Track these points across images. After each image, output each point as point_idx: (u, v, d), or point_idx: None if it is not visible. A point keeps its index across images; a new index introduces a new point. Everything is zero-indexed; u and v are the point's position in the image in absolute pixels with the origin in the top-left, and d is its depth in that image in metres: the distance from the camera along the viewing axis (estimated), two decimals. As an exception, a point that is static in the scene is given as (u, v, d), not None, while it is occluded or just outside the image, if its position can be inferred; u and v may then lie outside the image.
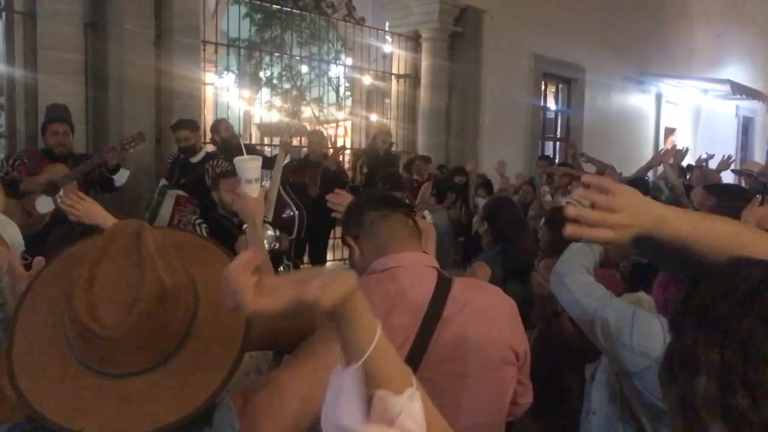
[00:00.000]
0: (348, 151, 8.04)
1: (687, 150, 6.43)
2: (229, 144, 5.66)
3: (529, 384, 1.74)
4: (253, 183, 2.11)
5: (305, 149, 6.86)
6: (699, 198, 3.06)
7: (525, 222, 3.25)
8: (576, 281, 2.04)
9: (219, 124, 5.95)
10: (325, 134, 10.86)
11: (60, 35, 5.06)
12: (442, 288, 1.52)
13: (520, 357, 1.61)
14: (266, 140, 9.60)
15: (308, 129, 9.48)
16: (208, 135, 6.67)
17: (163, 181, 5.23)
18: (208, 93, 7.79)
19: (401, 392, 0.83)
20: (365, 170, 6.31)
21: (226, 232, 3.43)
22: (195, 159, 5.21)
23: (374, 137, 6.86)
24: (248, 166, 2.10)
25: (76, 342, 0.93)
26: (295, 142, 7.45)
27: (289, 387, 1.08)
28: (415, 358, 1.43)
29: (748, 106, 14.27)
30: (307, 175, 5.91)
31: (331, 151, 7.13)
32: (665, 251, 1.76)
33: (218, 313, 1.00)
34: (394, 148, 8.15)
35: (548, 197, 5.66)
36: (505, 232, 3.12)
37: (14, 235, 2.21)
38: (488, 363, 1.53)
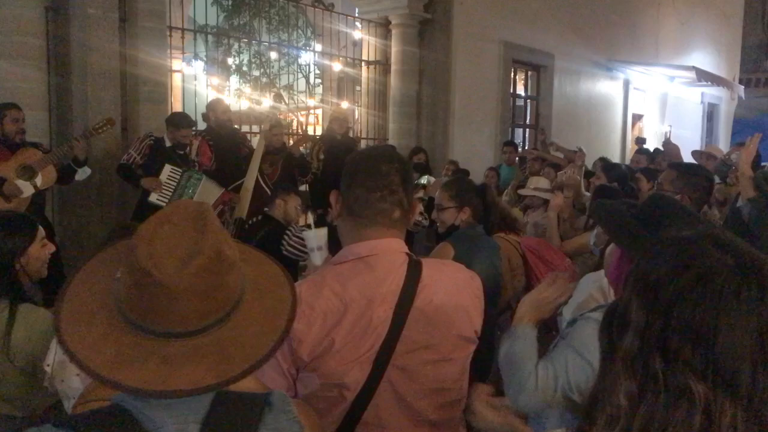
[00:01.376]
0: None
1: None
2: (222, 127, 5.62)
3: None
4: (315, 251, 2.28)
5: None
6: (664, 174, 3.14)
7: (489, 186, 3.30)
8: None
9: (218, 105, 5.86)
10: (294, 121, 10.80)
11: (20, 19, 4.93)
12: (413, 275, 1.50)
13: (479, 333, 1.64)
14: (236, 127, 9.49)
15: (278, 116, 9.41)
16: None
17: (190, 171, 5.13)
18: (176, 80, 7.66)
19: None
20: (322, 156, 6.30)
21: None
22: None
23: (330, 122, 6.86)
24: (312, 236, 2.28)
25: (129, 294, 0.98)
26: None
27: None
28: (387, 349, 1.44)
29: (713, 93, 14.53)
30: (267, 161, 5.89)
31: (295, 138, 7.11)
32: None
33: (262, 303, 1.07)
34: (364, 135, 8.16)
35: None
36: (485, 204, 3.16)
37: None
38: (455, 344, 1.55)
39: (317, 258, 2.27)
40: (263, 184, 5.49)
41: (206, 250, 0.98)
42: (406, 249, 1.57)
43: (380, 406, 1.45)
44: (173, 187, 4.93)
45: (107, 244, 1.15)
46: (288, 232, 3.99)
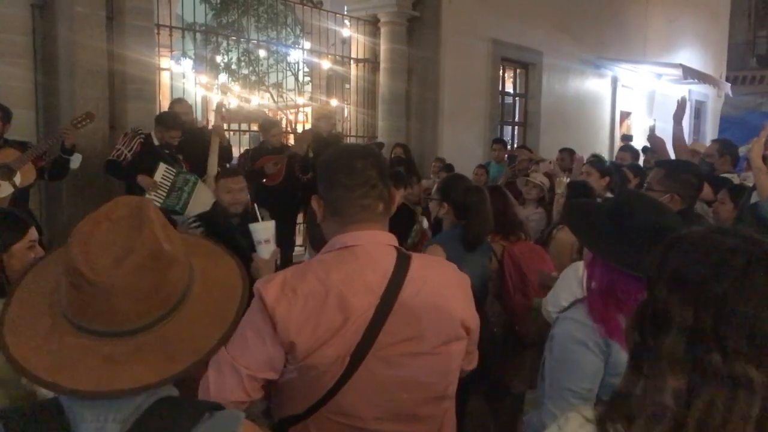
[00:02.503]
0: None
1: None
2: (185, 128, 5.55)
3: (476, 352, 1.77)
4: (263, 244, 2.24)
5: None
6: (652, 173, 3.13)
7: (483, 192, 3.26)
8: None
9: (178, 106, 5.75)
10: (283, 119, 10.78)
11: (6, 17, 4.90)
12: (401, 268, 1.51)
13: (471, 331, 1.64)
14: (225, 126, 9.47)
15: (267, 114, 9.40)
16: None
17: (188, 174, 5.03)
18: (164, 78, 7.63)
19: None
20: (311, 154, 6.30)
21: (223, 231, 3.51)
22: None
23: (316, 119, 6.86)
24: (260, 228, 2.25)
25: (68, 295, 0.97)
26: (254, 127, 7.39)
27: None
28: (368, 339, 1.44)
29: (700, 90, 14.62)
30: (270, 161, 5.87)
31: (292, 136, 7.09)
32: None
33: (210, 295, 1.06)
34: (354, 133, 8.17)
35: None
36: (464, 205, 3.13)
37: None
38: (441, 339, 1.55)
39: (264, 252, 2.21)
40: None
41: (141, 248, 0.97)
42: (394, 242, 1.58)
43: (357, 394, 1.46)
44: (167, 188, 4.86)
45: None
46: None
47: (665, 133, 12.53)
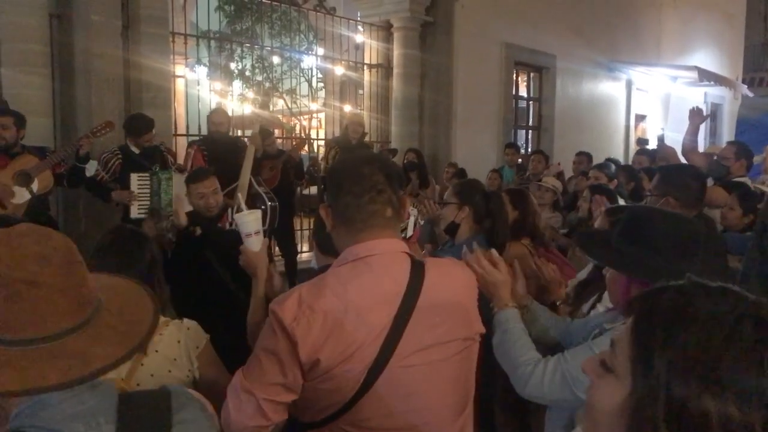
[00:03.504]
0: (321, 142, 8.03)
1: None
2: (217, 135, 5.53)
3: None
4: (253, 236, 2.12)
5: (279, 140, 6.87)
6: (653, 180, 3.10)
7: (501, 197, 3.24)
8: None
9: (212, 115, 5.67)
10: (297, 125, 10.82)
11: (24, 26, 4.97)
12: (416, 276, 1.49)
13: (481, 331, 1.64)
14: (239, 132, 9.55)
15: (281, 120, 9.45)
16: (180, 128, 6.63)
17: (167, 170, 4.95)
18: (179, 85, 7.70)
19: None
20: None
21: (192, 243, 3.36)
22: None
23: (346, 127, 6.87)
24: (247, 220, 2.12)
25: (3, 312, 0.97)
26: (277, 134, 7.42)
27: None
28: (388, 350, 1.43)
29: (716, 92, 14.49)
30: (267, 166, 5.92)
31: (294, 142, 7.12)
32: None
33: (120, 317, 1.09)
34: (367, 138, 8.19)
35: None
36: (488, 209, 3.08)
37: None
38: (459, 346, 1.54)
39: (254, 244, 2.12)
40: (257, 188, 5.49)
41: (60, 248, 1.03)
42: (407, 249, 1.56)
43: (376, 405, 1.44)
44: (147, 195, 4.77)
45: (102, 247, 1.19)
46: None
47: (680, 135, 12.40)
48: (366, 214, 1.50)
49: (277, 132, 8.50)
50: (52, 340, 0.98)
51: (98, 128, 4.66)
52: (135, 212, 4.69)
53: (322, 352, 1.39)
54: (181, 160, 5.52)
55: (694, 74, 11.26)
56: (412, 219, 4.13)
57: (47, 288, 0.98)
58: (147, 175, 4.80)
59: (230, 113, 11.05)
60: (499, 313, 1.95)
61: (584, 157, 7.28)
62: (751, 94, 14.24)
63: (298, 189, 6.60)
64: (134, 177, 4.78)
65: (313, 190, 7.86)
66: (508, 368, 1.86)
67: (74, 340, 1.00)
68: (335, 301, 1.42)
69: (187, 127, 6.76)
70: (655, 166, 4.89)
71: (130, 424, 1.00)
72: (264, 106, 10.33)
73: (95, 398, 1.01)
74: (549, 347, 2.03)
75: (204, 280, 3.16)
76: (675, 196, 2.85)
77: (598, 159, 7.40)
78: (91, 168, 4.71)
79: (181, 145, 6.96)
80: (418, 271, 1.51)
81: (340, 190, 1.53)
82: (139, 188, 4.77)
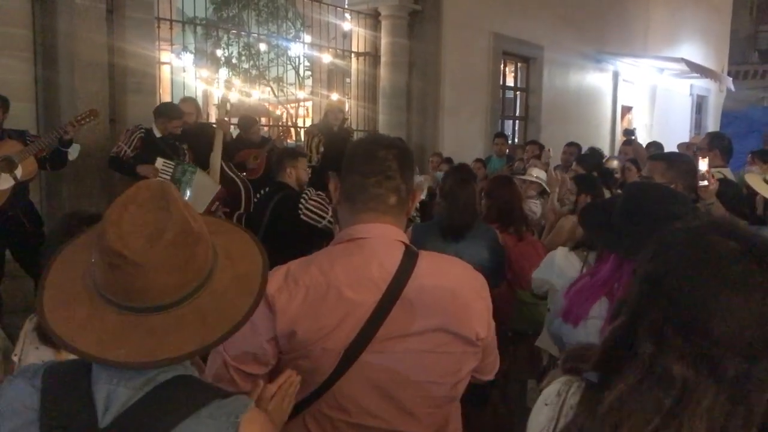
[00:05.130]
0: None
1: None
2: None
3: (495, 362, 1.72)
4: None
5: (266, 128, 6.83)
6: (652, 166, 3.14)
7: (466, 183, 3.27)
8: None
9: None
10: (284, 114, 10.78)
11: (5, 10, 4.89)
12: (407, 265, 1.48)
13: (481, 336, 1.57)
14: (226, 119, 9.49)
15: (267, 108, 9.40)
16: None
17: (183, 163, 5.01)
18: (165, 72, 7.62)
19: None
20: (321, 149, 6.29)
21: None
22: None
23: (326, 114, 6.86)
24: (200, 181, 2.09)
25: (105, 276, 1.03)
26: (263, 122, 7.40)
27: None
28: (368, 333, 1.42)
29: (701, 85, 14.59)
30: (250, 155, 5.90)
31: (293, 130, 7.08)
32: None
33: (235, 267, 1.15)
34: (355, 127, 8.17)
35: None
36: (442, 190, 3.17)
37: None
38: (446, 339, 1.51)
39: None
40: (231, 173, 5.49)
41: (172, 226, 1.04)
42: (403, 237, 1.54)
43: (354, 388, 1.44)
44: (168, 180, 4.87)
45: (64, 233, 1.20)
46: (304, 195, 3.83)
47: (666, 127, 12.45)
48: (368, 196, 1.50)
49: (263, 120, 8.45)
50: (165, 309, 1.04)
51: (82, 116, 4.60)
52: None
53: (299, 324, 1.40)
54: None
55: (681, 66, 11.32)
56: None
57: (148, 267, 1.01)
58: (172, 163, 4.90)
59: (217, 101, 11.03)
60: None
61: (574, 147, 7.31)
62: (733, 89, 14.36)
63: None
64: (160, 161, 4.88)
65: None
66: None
67: (185, 308, 1.06)
68: (319, 276, 1.43)
69: (173, 114, 6.68)
70: (656, 153, 4.90)
71: (150, 402, 1.05)
72: (246, 94, 10.25)
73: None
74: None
75: None
76: (682, 183, 2.90)
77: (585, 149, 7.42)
78: (73, 152, 4.66)
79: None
80: (410, 260, 1.49)
81: (351, 166, 1.53)
82: (161, 172, 4.85)
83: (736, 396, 0.81)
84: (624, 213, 1.76)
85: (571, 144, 7.46)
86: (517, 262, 3.41)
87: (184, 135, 5.38)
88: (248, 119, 6.58)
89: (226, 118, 6.21)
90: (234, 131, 6.58)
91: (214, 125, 5.71)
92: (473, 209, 3.24)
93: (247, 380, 1.44)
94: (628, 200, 1.79)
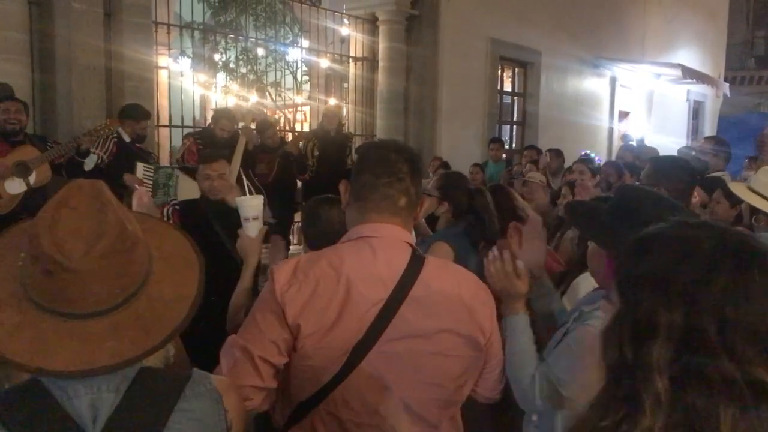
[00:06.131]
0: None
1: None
2: (217, 136, 5.50)
3: (499, 376, 1.71)
4: (250, 221, 2.17)
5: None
6: (644, 170, 3.15)
7: (484, 193, 3.24)
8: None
9: (220, 119, 5.62)
10: (281, 118, 10.77)
11: (2, 14, 4.88)
12: (414, 266, 1.50)
13: (483, 345, 1.58)
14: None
15: (265, 113, 9.39)
16: (163, 119, 6.57)
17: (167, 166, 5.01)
18: (162, 77, 7.62)
19: None
20: (316, 153, 6.29)
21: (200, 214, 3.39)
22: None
23: (321, 119, 6.88)
24: (247, 204, 2.18)
25: (38, 282, 0.99)
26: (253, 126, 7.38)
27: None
28: (375, 332, 1.43)
29: (698, 90, 14.62)
30: (263, 160, 5.88)
31: (290, 136, 7.07)
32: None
33: (172, 271, 1.12)
34: (352, 131, 8.17)
35: None
36: (465, 205, 3.08)
37: None
38: (453, 341, 1.52)
39: (252, 229, 2.15)
40: (247, 184, 5.47)
41: (109, 231, 1.00)
42: (410, 240, 1.57)
43: (360, 388, 1.44)
44: (151, 185, 4.83)
45: None
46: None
47: (663, 132, 12.46)
48: (379, 196, 1.52)
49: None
50: (102, 315, 1.01)
51: (101, 126, 4.66)
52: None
53: (308, 318, 1.41)
54: (165, 153, 5.50)
55: (678, 72, 11.34)
56: None
57: (85, 274, 0.97)
58: (151, 166, 4.91)
59: (214, 105, 11.02)
60: (509, 318, 1.86)
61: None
62: (729, 94, 14.40)
63: (299, 183, 6.54)
64: (140, 166, 4.88)
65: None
66: (509, 375, 1.83)
67: (122, 313, 1.02)
68: (329, 270, 1.44)
69: (170, 119, 6.69)
70: (639, 162, 4.94)
71: (133, 398, 1.03)
72: (244, 99, 10.24)
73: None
74: (545, 316, 2.02)
75: (210, 250, 3.20)
76: (666, 186, 2.88)
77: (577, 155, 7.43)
78: (89, 162, 4.70)
79: (163, 136, 6.92)
80: (417, 262, 1.51)
81: (363, 168, 1.56)
82: (144, 177, 4.86)
83: None
84: (617, 213, 1.74)
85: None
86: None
87: (210, 138, 5.39)
88: (264, 123, 6.56)
89: (252, 125, 6.20)
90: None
91: (239, 129, 5.68)
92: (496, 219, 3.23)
93: (272, 378, 1.44)
94: (623, 200, 1.78)
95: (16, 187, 4.30)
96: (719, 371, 0.77)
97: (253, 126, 6.72)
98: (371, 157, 1.58)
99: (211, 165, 3.47)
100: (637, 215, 1.68)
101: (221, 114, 5.70)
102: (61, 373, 0.97)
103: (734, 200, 3.73)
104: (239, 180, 5.33)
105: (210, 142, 5.41)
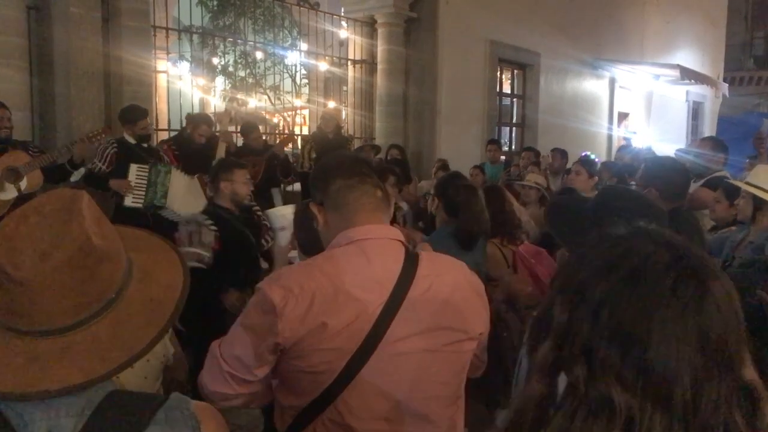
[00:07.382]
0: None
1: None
2: (192, 142, 5.41)
3: (484, 360, 1.74)
4: (279, 231, 2.31)
5: (263, 136, 6.82)
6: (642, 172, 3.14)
7: (474, 190, 3.27)
8: None
9: (197, 125, 5.47)
10: (281, 122, 10.77)
11: (1, 18, 4.87)
12: (410, 264, 1.50)
13: (480, 332, 1.62)
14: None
15: (264, 116, 9.40)
16: (162, 123, 6.57)
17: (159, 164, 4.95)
18: (161, 81, 7.62)
19: None
20: (313, 155, 6.31)
21: (230, 225, 3.50)
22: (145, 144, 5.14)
23: (320, 122, 6.90)
24: (278, 215, 2.32)
25: None
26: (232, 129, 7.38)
27: None
28: (377, 334, 1.42)
29: (697, 91, 14.63)
30: (249, 162, 5.87)
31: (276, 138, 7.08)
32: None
33: (148, 293, 1.03)
34: (352, 134, 8.17)
35: None
36: (455, 203, 3.13)
37: None
38: (453, 337, 1.53)
39: (282, 239, 2.25)
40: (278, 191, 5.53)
41: (69, 243, 0.92)
42: (401, 237, 1.57)
43: (366, 392, 1.43)
44: (144, 186, 4.81)
45: None
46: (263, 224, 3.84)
47: (663, 133, 12.46)
48: (358, 193, 1.53)
49: (260, 128, 8.44)
50: (54, 334, 0.93)
51: (94, 134, 4.63)
52: (129, 201, 4.77)
53: (309, 331, 1.39)
54: None
55: (677, 73, 11.34)
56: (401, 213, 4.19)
57: (35, 287, 0.90)
58: (146, 167, 4.86)
59: (213, 108, 11.03)
60: None
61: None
62: (728, 95, 14.40)
63: (282, 186, 6.56)
64: (134, 167, 4.83)
65: (297, 187, 7.84)
66: None
67: (79, 334, 0.94)
68: (325, 281, 1.43)
69: (169, 122, 6.69)
70: (636, 164, 4.94)
71: (97, 424, 0.93)
72: (243, 102, 10.26)
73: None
74: None
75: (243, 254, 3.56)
76: (657, 187, 2.86)
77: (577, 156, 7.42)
78: (77, 175, 4.68)
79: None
80: (411, 261, 1.51)
81: (329, 178, 1.56)
82: (137, 178, 4.82)
83: (690, 425, 0.72)
84: (595, 212, 1.71)
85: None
86: (542, 275, 3.37)
87: (185, 142, 5.36)
88: (249, 125, 6.56)
89: (230, 128, 6.19)
90: (237, 140, 6.55)
91: (217, 133, 5.66)
92: (485, 216, 3.25)
93: (244, 386, 1.48)
94: (600, 206, 1.75)
95: (7, 192, 4.28)
96: (571, 375, 0.77)
97: (232, 129, 6.72)
98: (332, 167, 1.60)
99: (236, 171, 3.66)
100: (613, 215, 1.64)
101: (201, 119, 5.61)
102: (2, 395, 0.89)
103: (734, 200, 3.72)
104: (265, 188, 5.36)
105: (187, 147, 5.35)
